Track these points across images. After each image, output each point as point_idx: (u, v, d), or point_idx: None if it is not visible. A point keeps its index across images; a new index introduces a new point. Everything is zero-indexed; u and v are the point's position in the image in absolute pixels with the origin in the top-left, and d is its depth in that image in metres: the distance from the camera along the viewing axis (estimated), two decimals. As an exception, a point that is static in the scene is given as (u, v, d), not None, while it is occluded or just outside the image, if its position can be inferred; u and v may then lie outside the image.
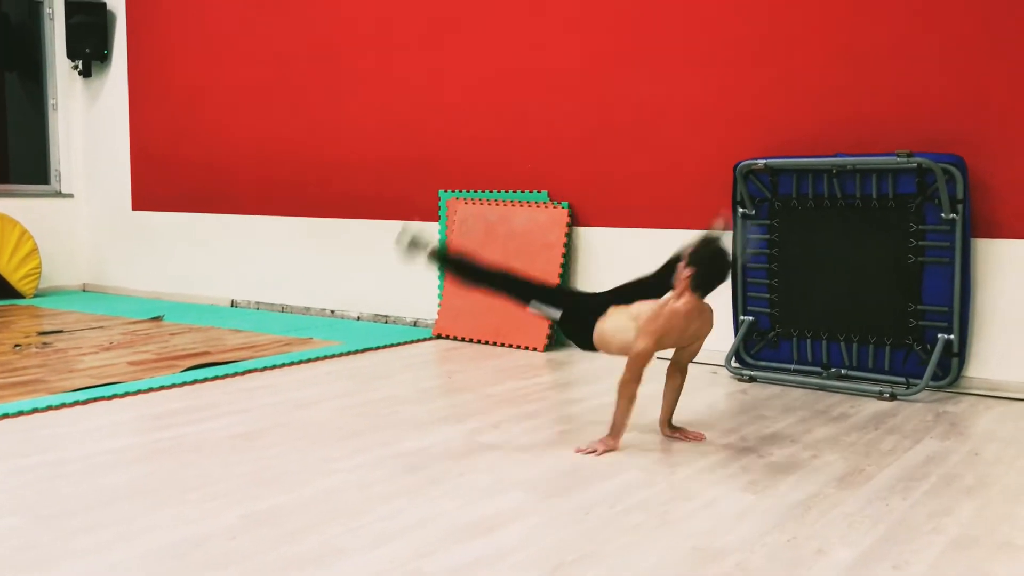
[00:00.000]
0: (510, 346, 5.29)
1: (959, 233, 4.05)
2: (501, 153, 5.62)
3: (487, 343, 5.38)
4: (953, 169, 4.02)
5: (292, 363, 4.72)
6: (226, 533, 2.41)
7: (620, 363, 3.16)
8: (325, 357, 4.90)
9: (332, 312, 6.40)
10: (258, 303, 6.88)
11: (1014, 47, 4.07)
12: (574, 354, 5.05)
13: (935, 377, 4.13)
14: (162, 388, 4.12)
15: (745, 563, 2.25)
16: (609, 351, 3.26)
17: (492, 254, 5.45)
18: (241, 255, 6.97)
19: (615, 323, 3.21)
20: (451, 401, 4.09)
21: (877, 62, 4.37)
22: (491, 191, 5.63)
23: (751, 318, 4.62)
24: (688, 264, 3.09)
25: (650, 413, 3.46)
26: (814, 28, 4.53)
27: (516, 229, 5.42)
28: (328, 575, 2.16)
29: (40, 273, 7.40)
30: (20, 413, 3.63)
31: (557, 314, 3.36)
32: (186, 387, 4.17)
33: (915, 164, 4.04)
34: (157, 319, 6.26)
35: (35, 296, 7.41)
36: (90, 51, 7.57)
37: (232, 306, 7.00)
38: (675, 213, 4.95)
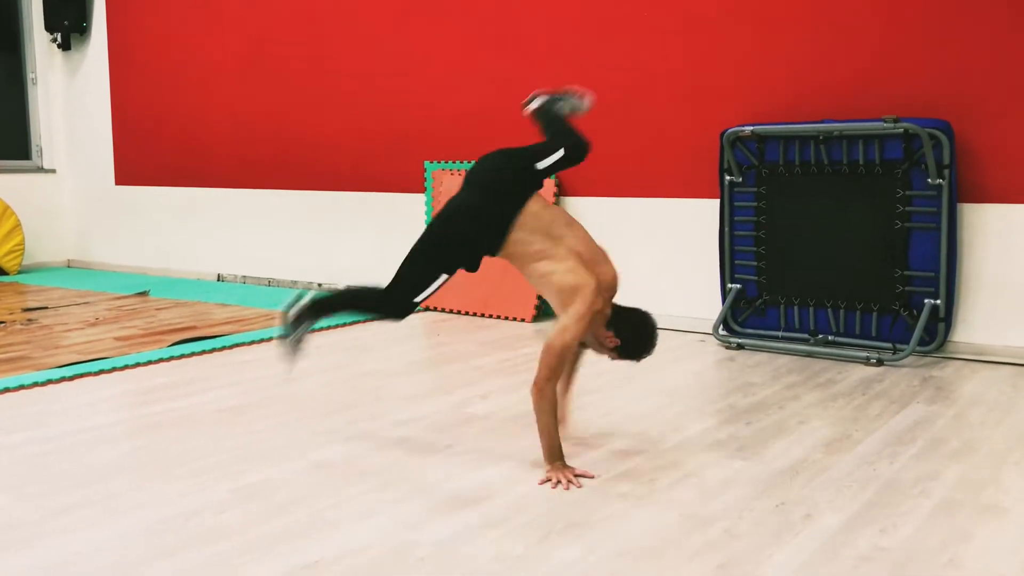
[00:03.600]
0: (499, 317, 5.29)
1: (945, 198, 4.05)
2: (487, 123, 5.58)
3: (476, 314, 5.37)
4: (940, 134, 4.01)
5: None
6: (216, 507, 2.40)
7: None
8: (313, 330, 4.86)
9: (319, 285, 6.37)
10: (244, 277, 6.84)
11: (998, 11, 4.05)
12: (562, 324, 5.04)
13: (922, 342, 4.15)
14: (149, 363, 4.11)
15: (733, 529, 2.26)
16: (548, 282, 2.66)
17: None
18: (227, 229, 6.92)
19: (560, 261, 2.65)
20: (439, 373, 4.09)
21: (862, 28, 4.34)
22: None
23: (738, 286, 4.63)
24: (617, 334, 2.69)
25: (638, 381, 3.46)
26: (800, -7, 4.50)
27: (503, 199, 5.39)
28: (318, 548, 2.16)
29: (23, 249, 7.34)
30: (6, 390, 3.61)
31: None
32: (173, 362, 4.16)
33: (902, 130, 4.03)
34: (143, 294, 6.23)
35: (19, 272, 7.35)
36: (69, 24, 7.45)
37: (218, 280, 6.96)
38: (662, 182, 4.94)
